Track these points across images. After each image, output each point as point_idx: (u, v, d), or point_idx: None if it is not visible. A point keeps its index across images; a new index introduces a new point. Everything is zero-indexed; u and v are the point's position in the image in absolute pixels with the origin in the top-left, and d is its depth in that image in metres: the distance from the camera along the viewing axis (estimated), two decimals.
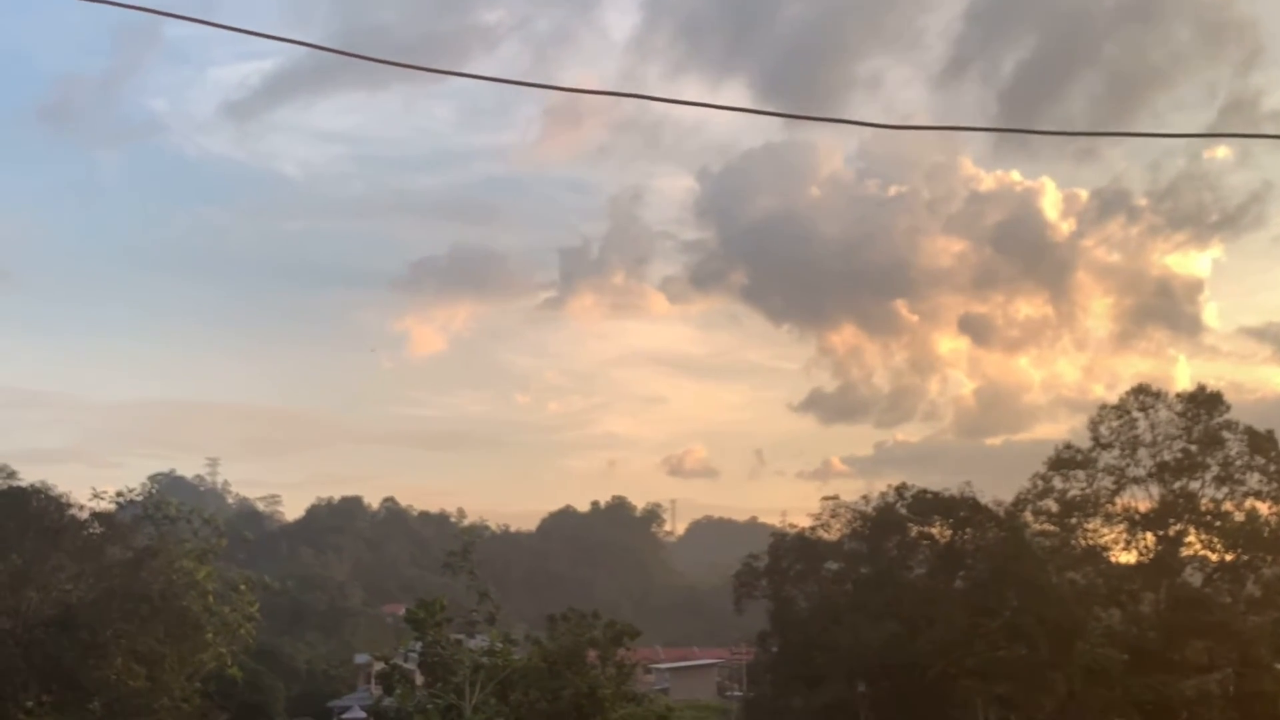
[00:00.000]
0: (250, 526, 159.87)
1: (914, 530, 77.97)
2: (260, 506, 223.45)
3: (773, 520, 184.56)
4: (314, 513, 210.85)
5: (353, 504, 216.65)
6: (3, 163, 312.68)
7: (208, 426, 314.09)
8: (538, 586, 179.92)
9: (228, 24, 13.12)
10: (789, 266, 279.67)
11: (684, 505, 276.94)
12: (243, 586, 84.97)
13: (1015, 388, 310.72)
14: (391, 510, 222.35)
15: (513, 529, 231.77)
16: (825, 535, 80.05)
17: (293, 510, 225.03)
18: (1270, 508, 76.62)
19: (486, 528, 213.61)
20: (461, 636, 56.17)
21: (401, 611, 75.25)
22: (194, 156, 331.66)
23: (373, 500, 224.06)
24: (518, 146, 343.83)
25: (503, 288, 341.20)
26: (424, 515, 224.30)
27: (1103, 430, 77.98)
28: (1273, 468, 75.88)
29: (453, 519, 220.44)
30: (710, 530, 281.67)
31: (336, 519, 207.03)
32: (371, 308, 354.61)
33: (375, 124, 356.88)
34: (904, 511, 77.64)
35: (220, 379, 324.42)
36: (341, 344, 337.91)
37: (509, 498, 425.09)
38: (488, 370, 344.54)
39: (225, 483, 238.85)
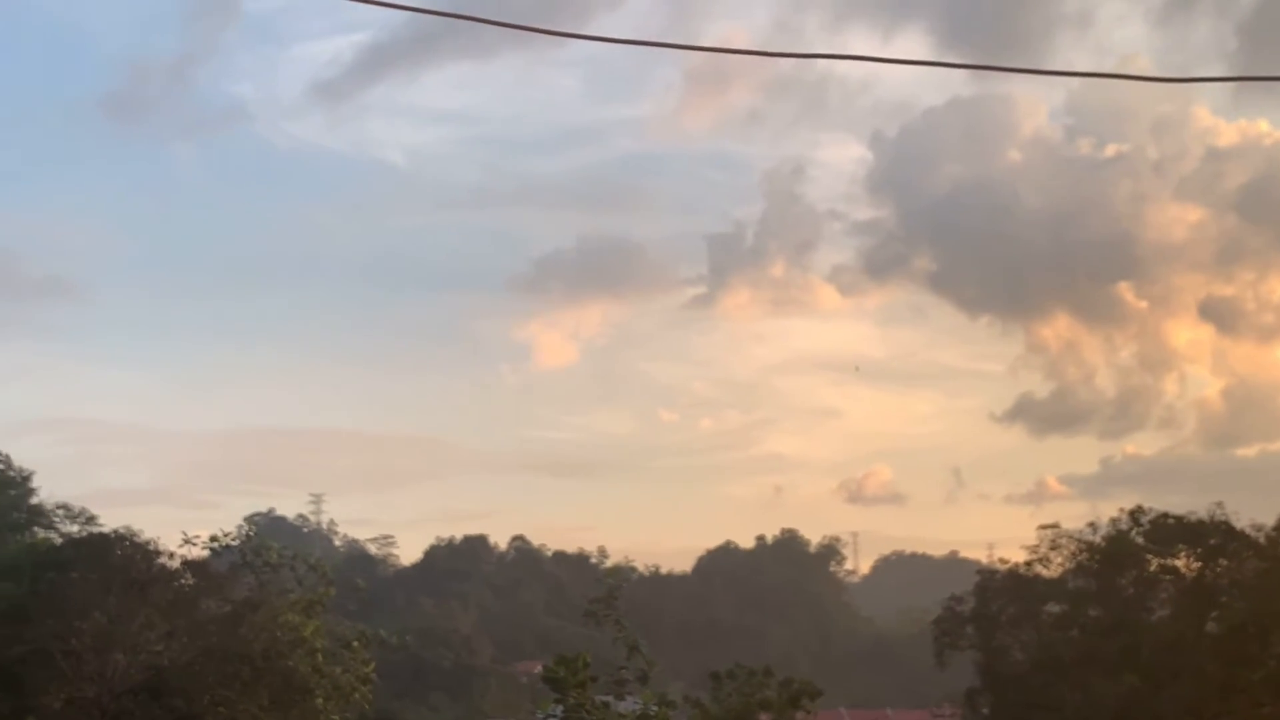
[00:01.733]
0: (361, 572, 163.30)
1: (1154, 563, 77.52)
2: (372, 549, 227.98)
3: (977, 554, 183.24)
4: (433, 555, 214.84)
5: (477, 544, 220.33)
6: (64, 162, 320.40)
7: (309, 458, 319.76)
8: (696, 638, 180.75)
9: None
10: (985, 247, 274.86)
11: (867, 538, 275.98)
12: (356, 643, 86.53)
13: (1272, 385, 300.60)
14: (522, 550, 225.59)
15: (664, 570, 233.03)
16: (1044, 571, 79.81)
17: (409, 553, 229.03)
18: None
19: (634, 569, 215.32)
20: (609, 698, 56.55)
21: (538, 669, 76.69)
22: (283, 146, 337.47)
23: (500, 539, 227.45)
24: (655, 118, 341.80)
25: (642, 285, 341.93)
26: (560, 556, 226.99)
27: None
28: None
29: (594, 560, 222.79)
30: (901, 567, 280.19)
31: (459, 562, 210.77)
32: (490, 313, 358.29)
33: (488, 100, 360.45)
34: (1140, 540, 77.16)
35: (322, 402, 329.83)
36: (457, 357, 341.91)
37: (658, 533, 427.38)
38: (627, 383, 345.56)
39: (331, 522, 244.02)
